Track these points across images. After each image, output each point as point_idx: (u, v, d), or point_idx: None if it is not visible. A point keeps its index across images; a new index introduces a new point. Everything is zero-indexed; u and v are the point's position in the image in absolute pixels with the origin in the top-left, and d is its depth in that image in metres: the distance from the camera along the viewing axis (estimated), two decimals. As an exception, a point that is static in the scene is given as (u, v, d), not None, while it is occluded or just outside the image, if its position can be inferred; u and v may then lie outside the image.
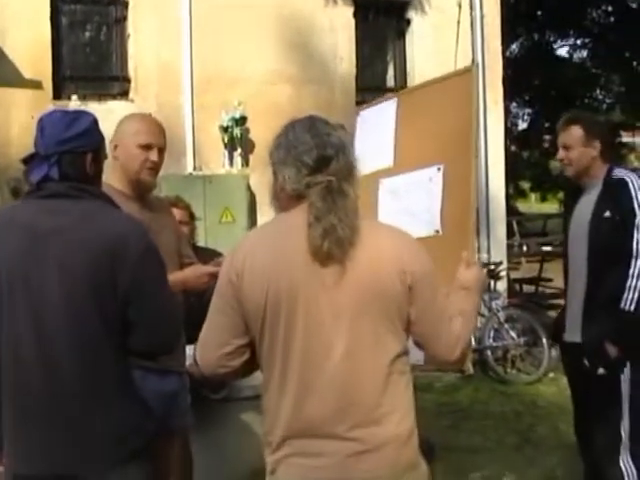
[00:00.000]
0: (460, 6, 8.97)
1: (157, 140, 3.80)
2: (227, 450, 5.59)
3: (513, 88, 16.52)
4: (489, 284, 8.73)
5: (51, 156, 2.63)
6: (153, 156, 3.75)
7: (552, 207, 26.51)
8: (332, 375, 2.36)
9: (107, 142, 2.93)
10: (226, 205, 7.40)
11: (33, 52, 7.68)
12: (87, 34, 8.54)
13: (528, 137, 24.39)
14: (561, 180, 15.50)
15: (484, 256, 9.03)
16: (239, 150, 7.74)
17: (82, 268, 2.54)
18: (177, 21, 7.81)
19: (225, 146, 7.74)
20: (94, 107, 6.99)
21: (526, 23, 23.70)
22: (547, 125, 22.43)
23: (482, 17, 9.16)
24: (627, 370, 3.97)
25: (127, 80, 7.95)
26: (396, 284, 2.37)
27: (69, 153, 2.65)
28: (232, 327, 2.42)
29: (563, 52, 26.82)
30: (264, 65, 8.02)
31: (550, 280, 11.54)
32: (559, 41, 26.16)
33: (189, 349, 5.05)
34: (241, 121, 7.64)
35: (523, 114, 26.10)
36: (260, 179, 7.84)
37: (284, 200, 2.48)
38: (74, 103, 7.43)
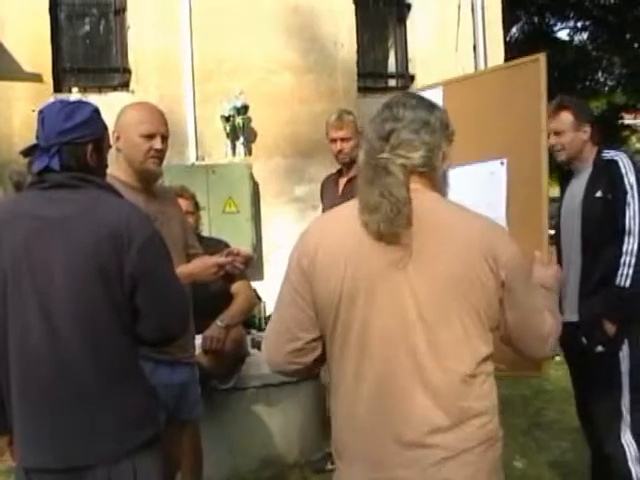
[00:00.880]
0: (461, -11, 8.95)
1: (159, 128, 3.78)
2: (236, 440, 5.60)
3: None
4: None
5: (51, 147, 2.63)
6: (157, 144, 3.73)
7: (554, 191, 26.49)
8: (413, 376, 2.18)
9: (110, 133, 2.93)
10: (229, 195, 7.39)
11: (33, 45, 7.67)
12: (87, 26, 8.53)
13: (530, 121, 24.30)
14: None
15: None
16: (241, 139, 7.72)
17: (88, 255, 2.55)
18: (177, 11, 7.79)
19: (227, 135, 7.72)
20: (95, 99, 6.96)
21: (526, 6, 23.62)
22: (549, 109, 22.33)
23: (483, 1, 9.11)
24: (625, 347, 4.00)
25: (127, 71, 7.93)
26: (488, 275, 2.19)
27: (69, 144, 2.65)
28: (303, 319, 2.29)
29: (563, 35, 26.78)
30: (265, 53, 7.99)
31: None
32: (559, 24, 26.06)
33: (197, 339, 5.07)
34: (243, 110, 7.62)
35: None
36: (263, 168, 7.83)
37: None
38: (75, 96, 7.40)
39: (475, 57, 9.14)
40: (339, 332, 2.24)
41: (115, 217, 2.61)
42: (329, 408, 6.06)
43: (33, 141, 2.70)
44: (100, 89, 7.85)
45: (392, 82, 9.33)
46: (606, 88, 24.83)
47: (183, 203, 5.28)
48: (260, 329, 6.39)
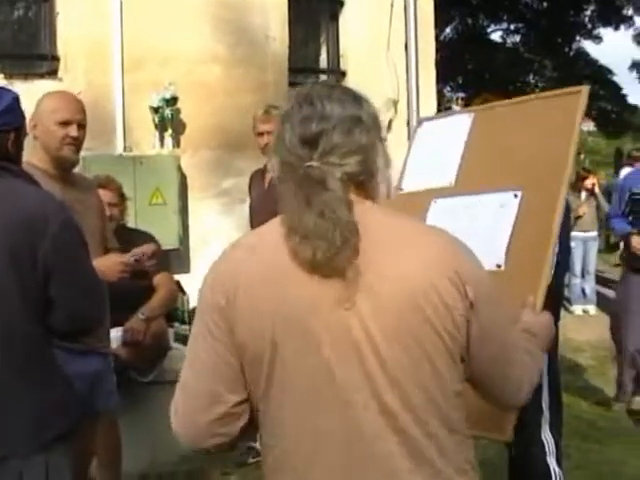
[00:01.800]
0: (393, -13, 8.99)
1: (75, 116, 3.81)
2: (155, 433, 5.55)
3: (447, 72, 16.63)
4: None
5: (-28, 135, 2.60)
6: (72, 132, 3.75)
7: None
8: (387, 434, 1.77)
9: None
10: (157, 186, 7.32)
11: (-43, 30, 7.53)
12: (15, 12, 8.37)
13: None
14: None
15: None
16: (170, 131, 7.65)
17: (1, 243, 2.50)
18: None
19: (156, 127, 7.64)
20: (21, 86, 6.85)
21: (460, 7, 23.85)
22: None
23: (415, 0, 9.17)
24: None
25: (56, 59, 7.79)
26: (453, 294, 1.78)
27: (-8, 132, 2.62)
28: (226, 374, 1.81)
29: (496, 37, 27.03)
30: (196, 45, 7.93)
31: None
32: (492, 25, 26.45)
33: (116, 331, 5.03)
34: (172, 101, 7.55)
35: (457, 98, 26.31)
36: (191, 160, 7.78)
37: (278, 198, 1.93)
38: (0, 82, 7.28)
39: (407, 55, 9.19)
40: (276, 389, 1.80)
41: (30, 205, 2.59)
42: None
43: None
44: (26, 76, 7.71)
45: (323, 77, 9.36)
46: (537, 90, 25.17)
47: (107, 194, 5.24)
48: (184, 322, 6.35)
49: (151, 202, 7.28)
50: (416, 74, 9.12)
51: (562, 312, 11.02)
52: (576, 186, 11.39)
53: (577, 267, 11.21)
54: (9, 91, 2.78)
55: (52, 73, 7.70)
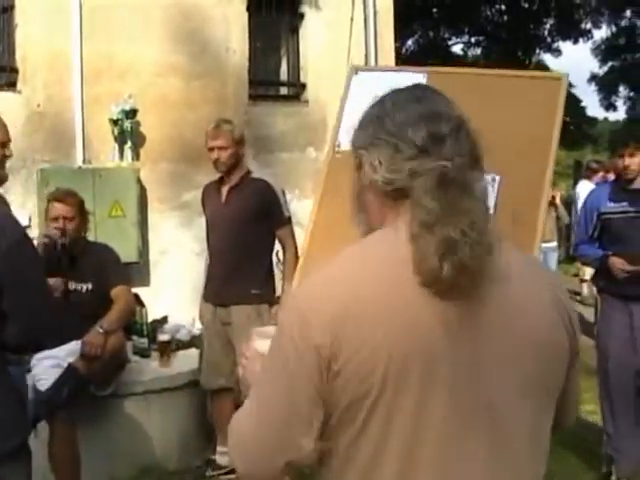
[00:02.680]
0: (353, 2, 9.03)
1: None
2: (114, 447, 5.55)
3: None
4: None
5: None
6: None
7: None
8: None
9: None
10: (116, 199, 7.29)
11: None
12: (-28, 23, 8.32)
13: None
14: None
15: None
16: (129, 143, 7.61)
17: None
18: (67, 11, 7.62)
19: (115, 139, 7.61)
20: (-21, 98, 6.83)
21: (422, 20, 24.02)
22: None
23: (375, 13, 9.22)
24: None
25: (14, 71, 7.74)
26: (564, 342, 1.66)
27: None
28: (307, 422, 1.56)
29: (458, 49, 27.19)
30: (155, 57, 7.92)
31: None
32: (454, 38, 26.65)
33: (76, 344, 5.02)
34: (131, 114, 7.52)
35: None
36: (150, 173, 7.76)
37: (373, 205, 1.70)
38: (-43, 94, 7.24)
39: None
40: (374, 432, 1.54)
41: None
42: (210, 415, 6.07)
43: None
44: (-16, 88, 7.67)
45: (283, 90, 9.37)
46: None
47: (62, 208, 5.24)
48: (142, 335, 6.33)
49: (110, 215, 7.25)
50: (377, 87, 9.16)
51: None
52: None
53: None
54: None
55: (11, 85, 7.65)
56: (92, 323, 5.13)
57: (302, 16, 9.04)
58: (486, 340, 1.57)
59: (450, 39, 26.57)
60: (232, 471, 5.44)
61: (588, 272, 12.66)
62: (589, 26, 24.92)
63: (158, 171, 7.86)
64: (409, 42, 25.09)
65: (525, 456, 1.63)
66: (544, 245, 11.17)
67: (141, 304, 6.57)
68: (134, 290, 5.89)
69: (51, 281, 4.07)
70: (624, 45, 25.79)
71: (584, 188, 12.12)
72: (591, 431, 6.26)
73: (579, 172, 19.51)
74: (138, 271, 7.36)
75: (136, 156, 7.71)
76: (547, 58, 25.87)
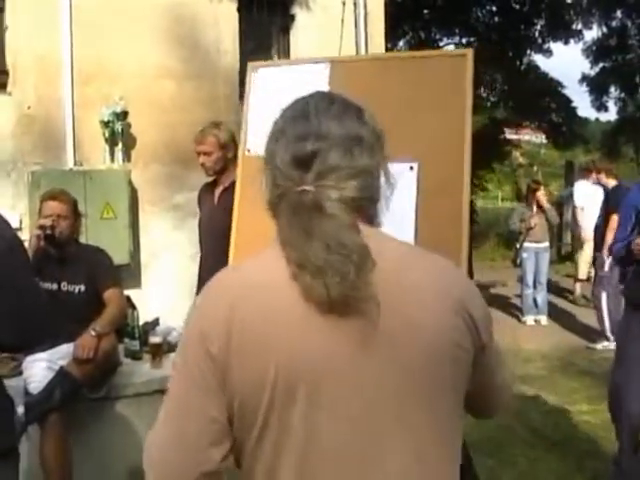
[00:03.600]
0: (344, 3, 9.02)
1: None
2: (107, 449, 5.53)
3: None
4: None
5: None
6: None
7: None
8: None
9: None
10: (107, 201, 7.29)
11: None
12: (-38, 25, 8.30)
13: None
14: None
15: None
16: (120, 145, 7.62)
17: None
18: (57, 12, 7.63)
19: (106, 141, 7.60)
20: (-32, 100, 6.81)
21: (412, 20, 24.02)
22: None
23: (366, 14, 9.24)
24: None
25: (5, 73, 7.73)
26: (466, 338, 1.63)
27: None
28: (214, 429, 1.58)
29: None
30: (146, 59, 7.92)
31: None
32: (445, 39, 26.62)
33: (68, 347, 5.00)
34: (122, 116, 7.52)
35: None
36: (142, 175, 7.76)
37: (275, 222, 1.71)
38: (-52, 96, 7.22)
39: (358, 69, 9.25)
40: (267, 447, 1.58)
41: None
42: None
43: None
44: (-25, 90, 7.66)
45: (275, 91, 9.36)
46: (488, 103, 25.43)
47: (57, 206, 5.22)
48: (134, 338, 6.31)
49: (102, 217, 7.24)
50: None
51: (514, 322, 11.19)
52: (527, 198, 11.54)
53: (529, 278, 11.31)
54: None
55: (1, 87, 7.64)
56: (84, 325, 5.11)
57: (293, 17, 9.06)
58: (376, 353, 1.56)
59: (441, 40, 26.52)
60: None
61: (581, 272, 12.72)
62: (580, 27, 24.95)
63: (149, 173, 7.86)
64: (400, 43, 25.08)
65: (436, 460, 1.62)
66: (536, 245, 11.20)
67: (133, 306, 6.55)
68: (126, 292, 5.88)
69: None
70: (615, 46, 25.81)
71: (581, 188, 12.15)
72: (582, 430, 6.27)
73: (571, 172, 19.57)
74: (129, 273, 7.35)
75: (127, 158, 7.71)
76: (538, 59, 25.95)
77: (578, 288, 12.92)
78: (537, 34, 24.87)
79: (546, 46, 25.19)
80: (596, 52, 26.14)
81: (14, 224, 5.70)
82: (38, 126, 7.41)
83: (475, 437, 4.71)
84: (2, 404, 2.73)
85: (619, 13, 25.46)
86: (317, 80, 3.06)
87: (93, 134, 7.62)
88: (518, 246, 11.26)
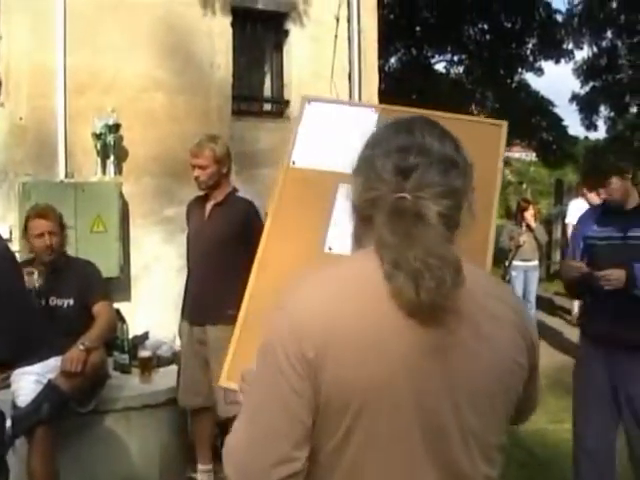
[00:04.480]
0: (338, 19, 9.05)
1: None
2: (95, 463, 5.51)
3: (390, 102, 16.75)
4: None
5: None
6: None
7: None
8: None
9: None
10: (98, 214, 7.25)
11: None
12: (-45, 36, 8.27)
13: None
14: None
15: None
16: (112, 158, 7.58)
17: None
18: (51, 23, 7.60)
19: (98, 153, 7.57)
20: (-40, 111, 6.79)
21: (404, 38, 24.10)
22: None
23: (359, 31, 9.25)
24: None
25: (-3, 84, 7.71)
26: (524, 362, 1.78)
27: None
28: (300, 432, 1.62)
29: (440, 67, 27.31)
30: (140, 71, 7.90)
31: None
32: (436, 56, 26.74)
33: (55, 360, 4.98)
34: (114, 128, 7.50)
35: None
36: (133, 188, 7.73)
37: (356, 224, 1.86)
38: (-61, 108, 7.19)
39: (350, 85, 9.26)
40: (355, 445, 1.64)
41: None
42: (191, 432, 6.04)
43: None
44: (-34, 101, 7.63)
45: (267, 106, 9.36)
46: (479, 121, 25.45)
47: (47, 224, 5.21)
48: (123, 351, 6.29)
49: (92, 230, 7.21)
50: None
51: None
52: (517, 216, 11.55)
53: (518, 295, 11.31)
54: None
55: (-6, 98, 7.62)
56: (73, 338, 5.10)
57: (287, 33, 9.05)
58: (454, 359, 1.66)
59: (433, 57, 26.64)
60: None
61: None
62: (571, 46, 25.10)
63: (141, 186, 7.83)
64: (392, 60, 25.16)
65: (471, 466, 1.71)
66: (525, 264, 11.21)
67: (122, 320, 6.54)
68: (115, 305, 5.86)
69: None
70: (605, 66, 25.96)
71: (575, 206, 12.19)
72: (571, 449, 6.27)
73: (560, 190, 19.64)
74: (119, 286, 7.32)
75: (119, 170, 7.68)
76: (529, 77, 26.04)
77: (576, 307, 12.91)
78: (528, 52, 25.01)
79: (537, 64, 25.35)
80: (586, 71, 26.27)
81: (4, 235, 5.68)
82: (30, 137, 7.39)
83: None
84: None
85: (609, 33, 25.62)
86: (365, 122, 3.30)
87: (85, 146, 7.59)
88: (507, 264, 11.26)
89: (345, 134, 3.40)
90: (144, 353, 6.22)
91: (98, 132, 7.49)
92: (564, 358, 10.03)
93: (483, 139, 3.14)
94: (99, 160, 7.57)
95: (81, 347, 5.04)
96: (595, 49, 25.93)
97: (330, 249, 3.07)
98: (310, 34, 9.04)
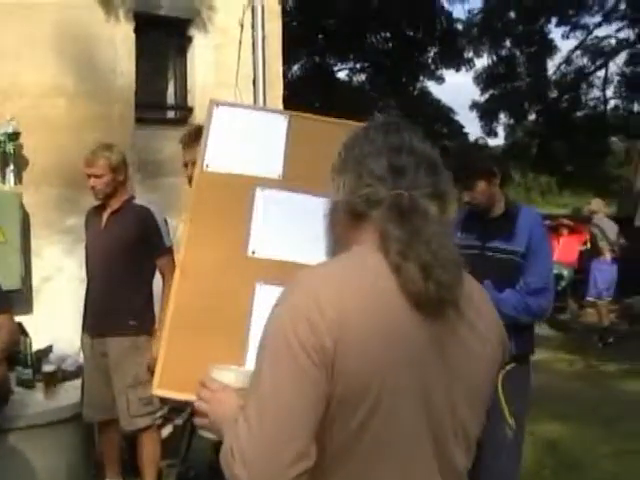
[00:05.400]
0: (242, 26, 8.98)
1: None
2: (-1, 482, 5.34)
3: (293, 109, 16.73)
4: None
5: None
6: None
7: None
8: None
9: None
10: (-3, 224, 7.04)
11: None
12: None
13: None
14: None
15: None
16: (11, 167, 7.36)
17: None
18: (-55, 30, 7.37)
19: (-4, 162, 7.35)
20: None
21: (308, 46, 24.19)
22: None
23: (264, 38, 9.19)
24: None
25: None
26: (500, 357, 1.90)
27: None
28: (314, 423, 1.59)
29: (343, 75, 27.51)
30: (39, 78, 7.68)
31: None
32: (339, 64, 26.94)
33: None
34: (14, 136, 7.28)
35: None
36: (33, 197, 7.52)
37: (339, 223, 1.88)
38: None
39: (254, 91, 9.19)
40: (367, 441, 1.64)
41: None
42: (98, 447, 5.89)
43: None
44: None
45: (170, 114, 9.24)
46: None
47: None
48: (26, 366, 6.10)
49: (-9, 241, 6.99)
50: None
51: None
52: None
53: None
54: None
55: None
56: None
57: (190, 39, 8.94)
58: (454, 355, 1.75)
59: (335, 65, 26.81)
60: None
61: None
62: (471, 55, 25.58)
63: (42, 195, 7.62)
64: (295, 67, 25.22)
65: (460, 457, 1.80)
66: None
67: (25, 333, 6.35)
68: (17, 319, 5.68)
69: None
70: (504, 74, 26.54)
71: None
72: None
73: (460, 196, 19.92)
74: (21, 299, 7.09)
75: (19, 180, 7.46)
76: (431, 85, 26.39)
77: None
78: (430, 61, 25.40)
79: (439, 73, 25.77)
80: (486, 80, 26.83)
81: None
82: None
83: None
84: None
85: (508, 42, 26.22)
86: (276, 127, 3.42)
87: (-17, 155, 7.35)
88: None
89: (257, 138, 3.41)
90: (48, 367, 6.05)
91: (-4, 140, 7.26)
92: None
93: None
94: (-2, 169, 7.34)
95: (-19, 362, 4.87)
96: (494, 58, 26.50)
97: (254, 253, 3.08)
98: (214, 41, 8.96)
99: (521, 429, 4.54)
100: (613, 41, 25.97)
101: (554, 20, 25.50)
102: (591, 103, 27.09)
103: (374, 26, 24.62)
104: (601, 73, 26.58)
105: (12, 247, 7.09)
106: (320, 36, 25.08)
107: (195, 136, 5.31)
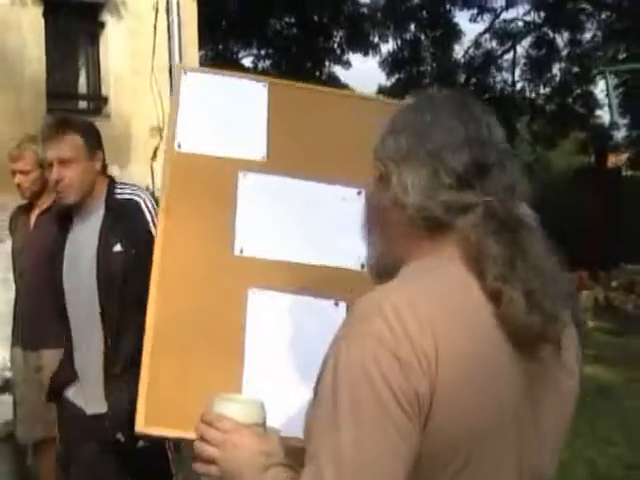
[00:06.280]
0: (157, 11, 8.63)
1: None
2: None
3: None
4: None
5: None
6: None
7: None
8: None
9: None
10: None
11: None
12: None
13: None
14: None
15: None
16: None
17: None
18: None
19: None
20: None
21: (211, 33, 23.84)
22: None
23: (179, 23, 8.86)
24: None
25: None
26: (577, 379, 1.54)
27: None
28: (403, 477, 1.26)
29: (248, 62, 27.27)
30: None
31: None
32: (242, 51, 26.67)
33: None
34: None
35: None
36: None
37: (397, 229, 1.47)
38: None
39: (171, 79, 8.84)
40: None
41: None
42: (33, 468, 5.50)
43: None
44: None
45: (83, 104, 8.82)
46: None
47: None
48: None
49: None
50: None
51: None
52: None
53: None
54: None
55: None
56: None
57: (103, 25, 8.54)
58: (547, 405, 1.44)
59: (239, 52, 26.55)
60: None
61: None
62: (377, 40, 25.59)
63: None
64: (200, 54, 24.88)
65: None
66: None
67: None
68: None
69: None
70: (408, 58, 26.68)
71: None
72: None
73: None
74: None
75: None
76: (337, 70, 26.30)
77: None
78: (336, 46, 25.31)
79: (345, 58, 25.68)
80: (391, 64, 26.89)
81: None
82: None
83: None
84: None
85: (412, 27, 26.35)
86: (255, 97, 3.01)
87: None
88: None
89: (235, 111, 2.96)
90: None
91: None
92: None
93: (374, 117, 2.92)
94: None
95: None
96: (399, 42, 26.60)
97: (241, 251, 2.56)
98: (128, 26, 8.60)
99: None
100: (521, 24, 26.30)
101: (459, 3, 25.69)
102: (499, 86, 27.43)
103: (278, 11, 24.40)
104: (509, 56, 26.93)
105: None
106: (223, 22, 24.74)
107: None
